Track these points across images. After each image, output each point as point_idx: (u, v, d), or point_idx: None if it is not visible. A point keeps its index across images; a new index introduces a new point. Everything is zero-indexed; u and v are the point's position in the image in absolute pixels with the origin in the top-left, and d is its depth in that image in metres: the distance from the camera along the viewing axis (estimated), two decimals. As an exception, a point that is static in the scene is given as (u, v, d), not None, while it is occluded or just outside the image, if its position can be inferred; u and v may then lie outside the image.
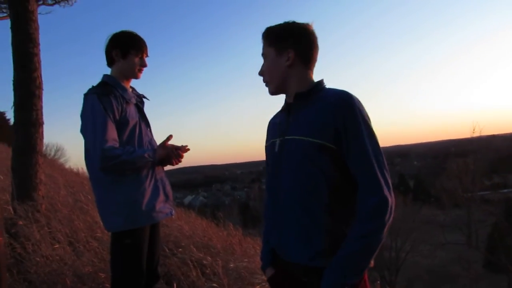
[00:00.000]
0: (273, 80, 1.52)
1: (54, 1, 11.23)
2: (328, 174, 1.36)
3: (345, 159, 1.36)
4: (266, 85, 1.55)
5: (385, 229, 1.30)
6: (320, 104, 1.41)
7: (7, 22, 4.31)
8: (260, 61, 1.59)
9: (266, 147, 1.63)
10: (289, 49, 1.48)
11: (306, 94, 1.47)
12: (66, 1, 11.80)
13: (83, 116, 2.12)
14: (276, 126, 1.58)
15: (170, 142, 2.26)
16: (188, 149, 2.31)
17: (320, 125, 1.37)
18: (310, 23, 1.51)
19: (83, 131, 2.12)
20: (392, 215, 1.31)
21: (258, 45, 1.59)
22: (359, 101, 1.39)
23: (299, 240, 1.40)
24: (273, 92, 1.55)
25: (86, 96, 2.12)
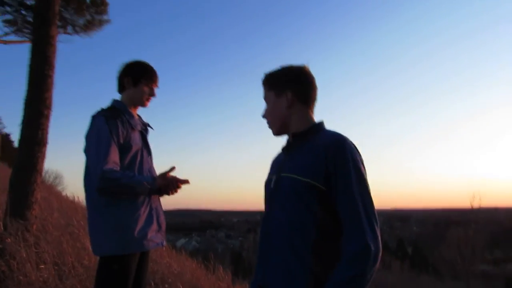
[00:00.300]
0: (275, 121, 1.57)
1: (74, 31, 11.70)
2: (316, 214, 1.37)
3: (334, 201, 1.36)
4: (269, 127, 1.60)
5: (366, 277, 1.27)
6: (315, 145, 1.45)
7: (20, 46, 4.52)
8: (262, 106, 1.66)
9: (265, 184, 1.65)
10: (287, 91, 1.54)
11: (303, 134, 1.51)
12: (85, 32, 12.29)
13: (88, 136, 2.14)
14: (275, 164, 1.63)
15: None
16: (189, 183, 2.30)
17: (311, 165, 1.40)
18: (306, 65, 1.57)
19: (87, 150, 2.14)
20: (376, 264, 1.28)
21: (260, 93, 1.66)
22: (353, 146, 1.42)
23: (283, 279, 1.39)
24: (276, 133, 1.60)
25: (93, 117, 2.16)
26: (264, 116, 1.62)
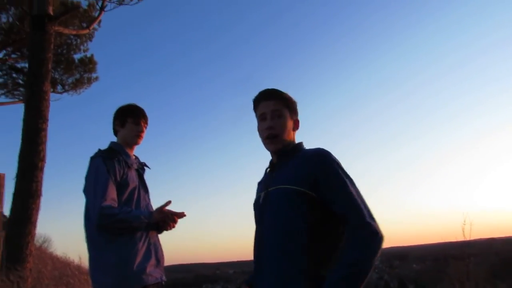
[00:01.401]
0: (285, 137, 1.66)
1: (63, 90, 11.96)
2: (306, 219, 1.46)
3: (327, 203, 1.46)
4: (273, 140, 1.64)
5: (374, 259, 1.35)
6: (301, 159, 1.57)
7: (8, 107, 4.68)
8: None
9: (254, 204, 1.74)
10: (297, 117, 1.73)
11: (289, 151, 1.64)
12: (74, 91, 12.53)
13: (87, 176, 2.25)
14: (261, 184, 1.73)
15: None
16: (185, 215, 2.36)
17: (301, 175, 1.51)
18: None
19: (86, 190, 2.24)
20: (380, 249, 1.37)
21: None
22: (335, 156, 1.55)
23: (279, 284, 1.44)
24: (280, 147, 1.66)
25: (92, 158, 2.29)
26: (272, 128, 1.64)
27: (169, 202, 2.28)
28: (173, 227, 2.36)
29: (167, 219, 2.28)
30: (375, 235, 1.38)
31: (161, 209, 2.26)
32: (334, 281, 1.32)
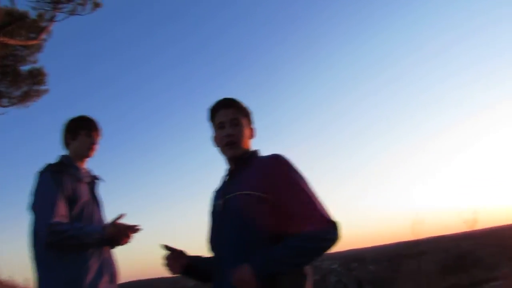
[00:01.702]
0: (243, 145, 1.72)
1: (9, 103, 11.35)
2: (267, 224, 1.51)
3: (286, 206, 1.52)
4: (232, 146, 1.70)
5: (328, 248, 1.47)
6: (257, 165, 1.64)
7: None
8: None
9: (210, 212, 1.76)
10: (253, 125, 1.79)
11: (247, 159, 1.69)
12: (22, 104, 11.93)
13: (35, 192, 2.16)
14: (218, 192, 1.75)
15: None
16: (140, 229, 2.27)
17: (258, 180, 1.56)
18: None
19: (33, 206, 2.14)
20: (335, 243, 1.48)
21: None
22: (290, 160, 1.63)
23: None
24: (238, 154, 1.71)
25: (40, 173, 2.19)
26: (231, 135, 1.69)
27: (122, 215, 2.20)
28: (127, 241, 2.28)
29: (120, 233, 2.20)
30: (334, 229, 1.49)
31: (114, 223, 2.17)
32: (289, 246, 1.44)
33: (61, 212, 2.07)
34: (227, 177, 1.75)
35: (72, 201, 2.16)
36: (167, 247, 1.66)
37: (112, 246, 2.33)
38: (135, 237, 2.29)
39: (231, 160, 1.73)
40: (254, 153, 1.76)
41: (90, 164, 2.46)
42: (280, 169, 1.58)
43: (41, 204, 2.09)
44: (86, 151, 2.35)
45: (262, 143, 1.84)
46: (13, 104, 11.63)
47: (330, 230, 1.48)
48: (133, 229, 2.24)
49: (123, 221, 2.21)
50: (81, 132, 2.33)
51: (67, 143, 2.36)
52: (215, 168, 1.87)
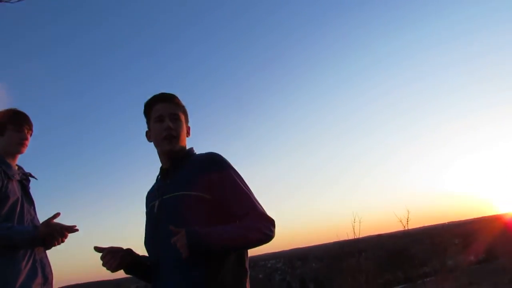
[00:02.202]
0: (182, 140, 1.70)
1: None
2: (205, 223, 1.48)
3: (225, 205, 1.53)
4: (172, 140, 1.66)
5: (263, 241, 1.50)
6: (194, 163, 1.62)
7: None
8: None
9: (146, 213, 1.73)
10: (188, 124, 1.77)
11: (183, 156, 1.68)
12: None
13: None
14: (154, 192, 1.71)
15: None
16: (77, 230, 2.17)
17: (196, 179, 1.55)
18: None
19: None
20: (270, 239, 1.51)
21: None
22: (225, 158, 1.64)
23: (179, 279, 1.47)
24: (176, 149, 1.68)
25: None
26: (172, 129, 1.66)
27: (57, 215, 2.08)
28: (62, 241, 2.17)
29: (55, 233, 2.08)
30: (273, 226, 1.52)
31: (48, 222, 2.07)
32: (229, 229, 1.46)
33: None
34: (163, 177, 1.71)
35: (1, 200, 2.04)
36: (99, 249, 1.58)
37: (47, 247, 2.19)
38: (72, 239, 2.19)
39: (168, 156, 1.68)
40: (190, 151, 1.73)
41: (23, 161, 2.32)
42: (217, 168, 1.57)
43: None
44: (16, 147, 2.20)
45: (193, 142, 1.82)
46: None
47: (269, 226, 1.50)
48: (69, 229, 2.14)
49: (58, 220, 2.10)
50: (9, 127, 2.18)
51: None
52: (150, 167, 1.81)
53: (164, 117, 1.66)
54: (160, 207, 1.59)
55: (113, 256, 1.56)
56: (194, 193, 1.52)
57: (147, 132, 1.77)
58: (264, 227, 1.49)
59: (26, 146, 2.24)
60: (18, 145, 2.21)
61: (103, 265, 1.56)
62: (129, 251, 1.64)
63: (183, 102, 1.77)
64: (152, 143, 1.74)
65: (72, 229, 2.15)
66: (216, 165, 1.58)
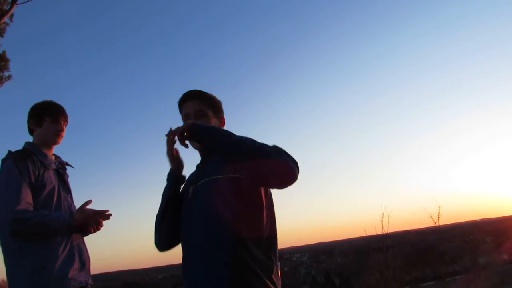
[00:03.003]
0: None
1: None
2: (235, 204, 1.50)
3: (254, 173, 1.49)
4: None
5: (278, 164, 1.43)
6: None
7: None
8: None
9: (182, 195, 1.75)
10: (221, 114, 1.80)
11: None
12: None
13: None
14: (191, 177, 1.75)
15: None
16: (110, 215, 2.23)
17: (225, 162, 1.54)
18: None
19: None
20: (294, 168, 1.45)
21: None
22: None
23: (208, 270, 1.47)
24: (201, 147, 1.71)
25: (2, 161, 2.12)
26: None
27: (89, 201, 2.15)
28: (98, 229, 2.25)
29: (89, 219, 2.16)
30: (296, 165, 1.46)
31: (82, 208, 2.13)
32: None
33: (26, 199, 2.01)
34: (200, 165, 1.75)
35: (38, 188, 2.09)
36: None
37: (84, 234, 2.26)
38: (105, 227, 2.25)
39: (200, 150, 1.73)
40: None
41: (59, 151, 2.39)
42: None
43: (4, 193, 2.01)
44: (52, 138, 2.27)
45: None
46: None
47: (292, 159, 1.46)
48: (102, 214, 2.20)
49: (91, 207, 2.16)
50: (46, 118, 2.25)
51: (31, 129, 2.29)
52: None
53: (190, 115, 1.71)
54: (194, 193, 1.62)
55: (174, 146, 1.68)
56: (224, 175, 1.53)
57: None
58: (286, 156, 1.45)
59: (62, 137, 2.31)
60: (55, 136, 2.28)
61: (167, 140, 1.66)
62: (182, 164, 1.76)
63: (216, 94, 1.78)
64: None
65: (105, 214, 2.20)
66: None
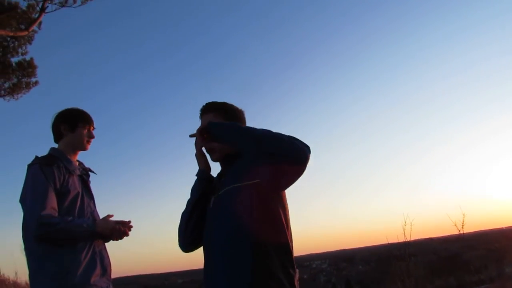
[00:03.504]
0: (226, 148, 1.73)
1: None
2: (256, 211, 1.52)
3: (267, 158, 1.50)
4: (212, 154, 1.77)
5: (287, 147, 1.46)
6: (243, 158, 1.64)
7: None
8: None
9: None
10: (242, 123, 1.80)
11: (232, 158, 1.71)
12: (11, 96, 11.74)
13: (24, 185, 2.14)
14: (213, 187, 1.77)
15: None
16: (132, 226, 2.29)
17: (244, 170, 1.58)
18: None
19: (23, 199, 2.11)
20: (305, 150, 1.48)
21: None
22: None
23: (228, 277, 1.49)
24: (221, 158, 1.76)
25: (29, 166, 2.17)
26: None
27: (111, 215, 2.25)
28: (121, 238, 2.30)
29: (113, 230, 2.21)
30: (308, 148, 1.50)
31: (105, 218, 2.24)
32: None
33: (52, 204, 2.05)
34: (220, 174, 1.79)
35: (62, 194, 2.14)
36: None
37: (105, 240, 2.31)
38: (128, 234, 2.30)
39: (220, 161, 1.78)
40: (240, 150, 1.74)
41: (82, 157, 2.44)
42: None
43: (30, 197, 2.06)
44: (83, 144, 2.33)
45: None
46: (2, 96, 11.46)
47: (303, 142, 1.50)
48: (125, 225, 2.25)
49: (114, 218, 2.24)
50: (80, 124, 2.31)
51: (61, 133, 2.31)
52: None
53: None
54: (215, 202, 1.65)
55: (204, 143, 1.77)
56: (244, 182, 1.55)
57: None
58: (296, 140, 1.49)
59: (90, 144, 2.38)
60: (87, 143, 2.35)
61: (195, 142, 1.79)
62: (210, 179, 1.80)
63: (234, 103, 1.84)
64: None
65: (128, 225, 2.26)
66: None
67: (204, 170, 1.79)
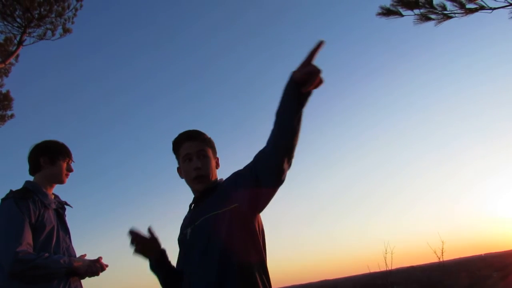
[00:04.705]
0: (211, 176, 1.73)
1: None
2: (238, 235, 1.53)
3: (252, 173, 1.53)
4: (202, 180, 1.71)
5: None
6: (222, 186, 1.66)
7: None
8: None
9: (179, 240, 1.77)
10: (216, 155, 1.82)
11: (212, 189, 1.70)
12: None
13: None
14: (186, 220, 1.76)
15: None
16: (106, 266, 2.27)
17: (224, 197, 1.59)
18: None
19: None
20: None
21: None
22: None
23: None
24: (206, 186, 1.72)
25: (3, 200, 2.11)
26: (201, 169, 1.71)
27: (84, 255, 2.27)
28: (97, 274, 2.25)
29: (88, 268, 2.18)
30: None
31: (81, 257, 2.22)
32: None
33: (27, 240, 1.99)
34: (194, 205, 1.75)
35: (38, 228, 2.09)
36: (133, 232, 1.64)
37: (81, 277, 2.24)
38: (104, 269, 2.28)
39: (200, 191, 1.73)
40: (219, 181, 1.76)
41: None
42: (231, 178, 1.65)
43: (5, 233, 1.99)
44: (62, 177, 2.31)
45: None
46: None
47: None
48: (99, 263, 2.23)
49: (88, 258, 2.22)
50: (60, 157, 2.29)
51: (40, 166, 2.27)
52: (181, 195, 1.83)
53: (192, 155, 1.70)
54: (193, 233, 1.63)
55: (143, 239, 1.63)
56: (224, 209, 1.55)
57: (178, 169, 1.81)
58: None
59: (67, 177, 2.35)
60: (66, 176, 2.32)
61: (131, 242, 1.62)
62: (163, 250, 1.71)
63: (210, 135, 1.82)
64: (183, 179, 1.79)
65: (102, 264, 2.25)
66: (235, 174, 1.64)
67: (157, 258, 1.71)
